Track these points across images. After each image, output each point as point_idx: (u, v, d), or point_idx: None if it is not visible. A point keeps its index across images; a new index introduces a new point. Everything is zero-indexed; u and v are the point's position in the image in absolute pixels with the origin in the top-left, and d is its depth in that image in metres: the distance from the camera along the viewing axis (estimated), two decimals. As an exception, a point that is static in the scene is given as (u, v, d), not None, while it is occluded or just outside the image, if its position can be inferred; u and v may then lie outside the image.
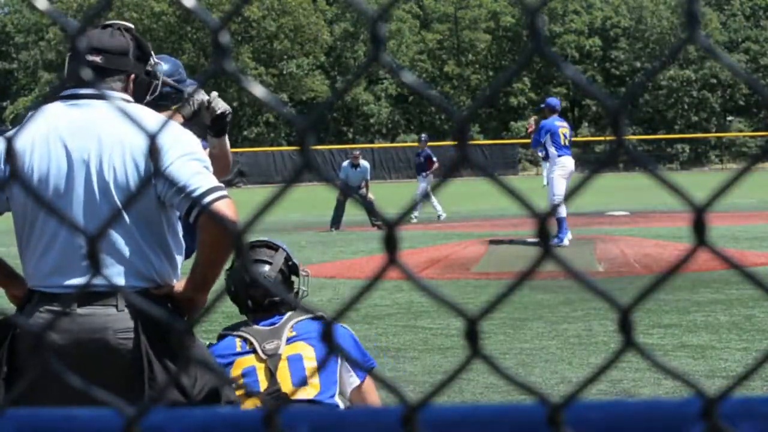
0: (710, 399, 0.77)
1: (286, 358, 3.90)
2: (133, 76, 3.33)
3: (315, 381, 3.87)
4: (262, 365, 3.89)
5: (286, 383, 3.88)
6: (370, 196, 22.05)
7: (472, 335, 0.75)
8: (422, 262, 13.98)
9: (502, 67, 66.76)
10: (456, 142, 0.74)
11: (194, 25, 60.13)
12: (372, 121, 64.04)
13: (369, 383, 4.02)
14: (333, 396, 3.92)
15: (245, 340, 3.94)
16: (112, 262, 3.11)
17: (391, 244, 0.76)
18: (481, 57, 68.90)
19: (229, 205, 3.08)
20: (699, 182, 22.75)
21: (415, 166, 26.03)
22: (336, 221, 21.95)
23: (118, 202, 3.10)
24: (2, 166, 3.14)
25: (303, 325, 3.99)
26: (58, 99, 3.26)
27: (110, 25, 3.36)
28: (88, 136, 3.14)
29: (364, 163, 23.26)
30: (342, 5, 66.53)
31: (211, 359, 3.32)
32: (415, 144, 59.63)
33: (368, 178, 22.75)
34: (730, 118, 70.39)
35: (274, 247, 4.10)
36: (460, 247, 15.85)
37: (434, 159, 24.91)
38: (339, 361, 3.94)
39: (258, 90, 0.78)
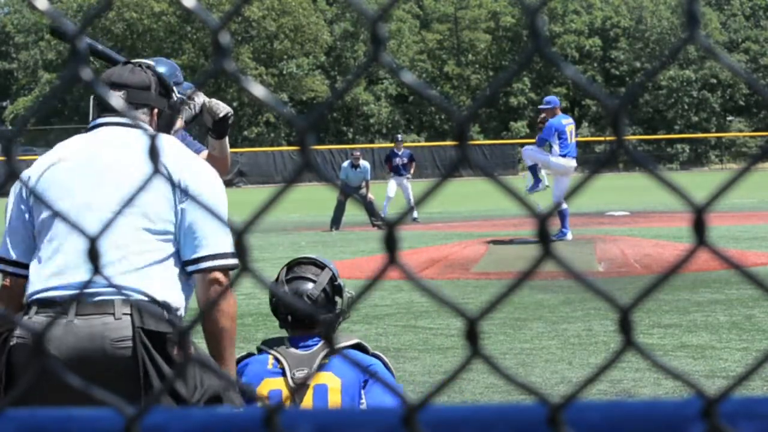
0: (710, 399, 0.77)
1: (313, 387, 3.85)
2: (156, 110, 3.43)
3: None
4: (287, 393, 3.84)
5: None
6: (370, 196, 22.02)
7: (472, 335, 0.75)
8: (422, 262, 13.98)
9: (502, 67, 66.75)
10: (456, 142, 0.74)
11: (194, 25, 60.13)
12: (372, 121, 64.03)
13: None
14: None
15: (277, 360, 3.90)
16: (116, 271, 3.12)
17: (391, 244, 0.76)
18: (481, 57, 68.89)
19: (226, 278, 3.24)
20: (699, 182, 22.75)
21: (394, 167, 25.44)
22: (336, 221, 21.94)
23: (142, 227, 3.16)
24: (25, 196, 3.27)
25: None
26: (86, 131, 3.39)
27: (130, 63, 3.49)
28: (117, 160, 3.22)
29: (365, 163, 23.18)
30: (342, 5, 66.52)
31: (213, 363, 3.32)
32: (416, 144, 59.72)
33: (368, 178, 22.69)
34: (730, 118, 70.40)
35: (321, 266, 4.03)
36: (460, 247, 15.85)
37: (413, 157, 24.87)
38: (362, 393, 3.88)
39: (258, 90, 0.78)
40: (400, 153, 25.31)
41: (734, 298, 10.43)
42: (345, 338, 4.02)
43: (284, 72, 62.37)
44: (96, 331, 3.06)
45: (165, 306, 3.16)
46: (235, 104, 60.41)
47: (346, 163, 23.25)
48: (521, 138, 63.42)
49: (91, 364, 3.05)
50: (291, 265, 4.05)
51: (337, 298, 4.04)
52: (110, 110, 3.34)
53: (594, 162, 0.74)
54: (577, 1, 71.15)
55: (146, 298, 3.13)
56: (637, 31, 68.97)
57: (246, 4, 0.73)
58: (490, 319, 8.46)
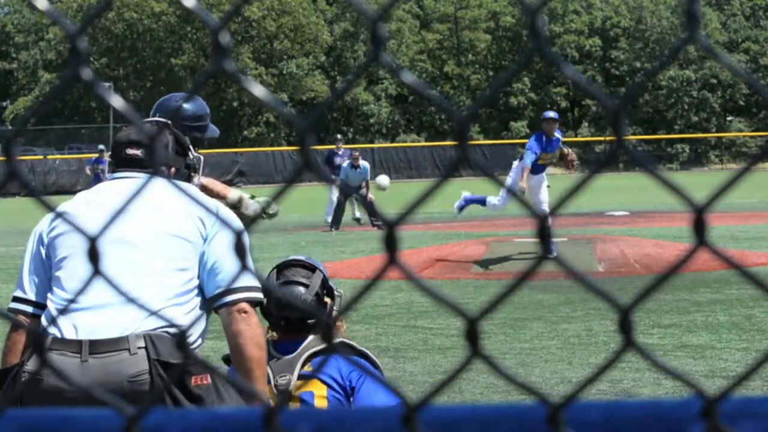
0: (710, 399, 0.77)
1: (298, 396, 3.82)
2: (173, 169, 3.49)
3: None
4: (273, 399, 3.82)
5: None
6: (370, 196, 21.98)
7: (472, 335, 0.75)
8: (422, 262, 13.98)
9: (502, 67, 66.75)
10: (456, 142, 0.74)
11: (194, 25, 60.10)
12: (372, 121, 64.02)
13: None
14: None
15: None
16: (126, 307, 3.13)
17: (391, 244, 0.76)
18: (481, 57, 68.88)
19: (251, 308, 3.28)
20: (699, 182, 22.75)
21: (335, 168, 24.90)
22: (336, 221, 21.92)
23: (170, 267, 3.19)
24: (44, 237, 3.32)
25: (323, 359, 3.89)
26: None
27: (148, 122, 3.56)
28: (145, 204, 3.26)
29: (364, 163, 23.06)
30: (342, 5, 66.50)
31: (234, 397, 3.31)
32: (416, 144, 59.75)
33: (368, 178, 22.60)
34: (730, 118, 70.38)
35: (311, 268, 4.01)
36: (460, 247, 15.85)
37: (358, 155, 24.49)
38: (350, 401, 3.84)
39: (258, 90, 0.78)
40: (340, 153, 25.02)
41: (734, 298, 10.43)
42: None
43: (284, 72, 62.36)
44: (112, 369, 3.05)
45: (182, 334, 3.15)
46: (235, 104, 60.49)
47: (345, 164, 23.03)
48: (521, 138, 63.29)
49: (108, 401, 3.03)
50: (281, 268, 4.01)
51: (328, 300, 4.03)
52: (126, 165, 3.40)
53: (594, 162, 0.74)
54: (577, 1, 71.12)
55: (162, 325, 3.14)
56: (637, 31, 68.95)
57: (246, 4, 0.73)
58: (490, 319, 8.45)
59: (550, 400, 0.78)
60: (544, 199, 13.88)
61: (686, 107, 67.25)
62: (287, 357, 3.89)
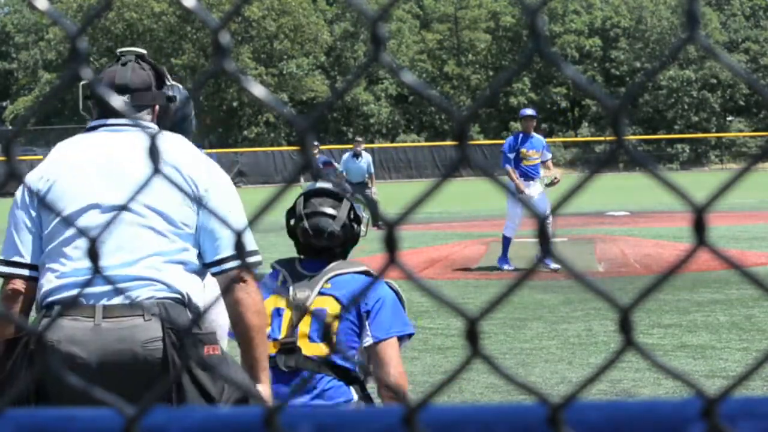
0: (710, 399, 0.77)
1: (312, 310, 3.83)
2: (157, 107, 3.41)
3: (330, 340, 3.81)
4: (290, 312, 3.84)
5: (303, 336, 3.82)
6: (374, 190, 21.37)
7: (472, 335, 0.75)
8: (422, 262, 13.98)
9: (502, 67, 66.74)
10: (456, 142, 0.74)
11: (194, 25, 60.10)
12: (372, 121, 64.02)
13: (386, 347, 3.82)
14: (347, 359, 3.83)
15: (286, 279, 3.89)
16: (146, 267, 3.11)
17: (391, 244, 0.76)
18: (481, 57, 68.86)
19: (250, 274, 3.23)
20: (699, 182, 22.74)
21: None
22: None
23: (161, 229, 3.15)
24: (31, 200, 3.22)
25: (342, 279, 3.87)
26: (86, 130, 3.35)
27: (124, 55, 3.42)
28: (130, 163, 3.20)
29: (367, 155, 22.06)
30: (342, 5, 66.51)
31: (240, 372, 3.29)
32: (416, 144, 59.71)
33: (372, 171, 21.63)
34: (730, 118, 70.38)
35: (339, 198, 3.99)
36: (460, 247, 15.86)
37: (333, 162, 23.82)
38: (360, 322, 3.83)
39: (258, 90, 0.78)
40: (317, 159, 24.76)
41: (734, 298, 10.42)
42: (353, 265, 3.99)
43: (284, 72, 62.35)
44: (125, 333, 3.03)
45: (188, 300, 3.16)
46: (235, 104, 60.48)
47: (346, 155, 21.92)
48: (521, 138, 62.92)
49: (121, 366, 3.03)
50: (308, 196, 3.99)
51: (356, 226, 4.01)
52: (112, 112, 3.29)
53: (594, 162, 0.74)
54: (577, 1, 71.12)
55: (172, 294, 3.12)
56: (637, 31, 68.94)
57: (246, 4, 0.73)
58: (490, 319, 8.45)
59: (550, 400, 0.78)
60: (543, 208, 13.06)
61: (686, 107, 67.24)
62: (311, 274, 3.91)
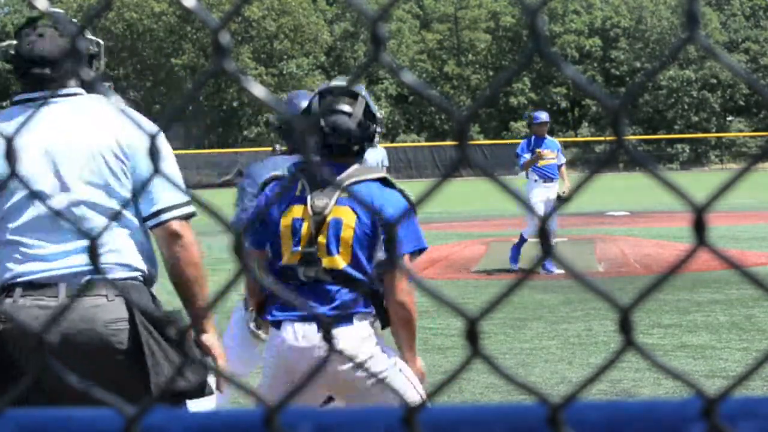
0: (710, 399, 0.77)
1: (329, 221, 3.82)
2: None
3: (347, 251, 3.80)
4: (308, 223, 3.83)
5: (322, 247, 3.83)
6: None
7: (472, 335, 0.75)
8: (422, 262, 13.98)
9: (502, 67, 66.75)
10: (456, 142, 0.74)
11: (194, 25, 60.11)
12: (372, 121, 63.93)
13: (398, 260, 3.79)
14: (364, 271, 3.82)
15: (304, 188, 3.86)
16: (104, 252, 3.10)
17: (391, 244, 0.76)
18: (481, 57, 68.89)
19: (185, 227, 3.23)
20: (699, 182, 22.75)
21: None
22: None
23: (107, 203, 3.12)
24: None
25: (360, 187, 3.86)
26: (17, 104, 3.23)
27: (35, 20, 3.20)
28: (61, 134, 3.13)
29: (381, 149, 21.47)
30: (342, 5, 66.51)
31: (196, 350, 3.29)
32: (416, 144, 59.72)
33: (386, 164, 21.10)
34: (730, 118, 70.39)
35: (354, 95, 3.94)
36: (460, 247, 15.86)
37: None
38: (374, 234, 3.83)
39: (258, 90, 0.78)
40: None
41: (734, 298, 10.42)
42: (371, 171, 3.99)
43: (284, 72, 62.35)
44: (88, 313, 3.03)
45: (148, 276, 3.17)
46: (235, 104, 60.47)
47: None
48: (521, 138, 62.88)
49: (83, 346, 3.02)
50: (323, 94, 3.97)
51: (372, 125, 4.00)
52: (34, 85, 3.16)
53: (594, 162, 0.74)
54: (577, 1, 71.14)
55: (132, 273, 3.13)
56: (637, 31, 68.96)
57: (246, 4, 0.73)
58: (490, 319, 8.45)
59: (550, 400, 0.78)
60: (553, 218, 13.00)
61: (686, 107, 67.26)
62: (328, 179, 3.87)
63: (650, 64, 65.34)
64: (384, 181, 3.92)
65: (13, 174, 0.80)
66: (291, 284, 3.81)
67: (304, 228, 3.82)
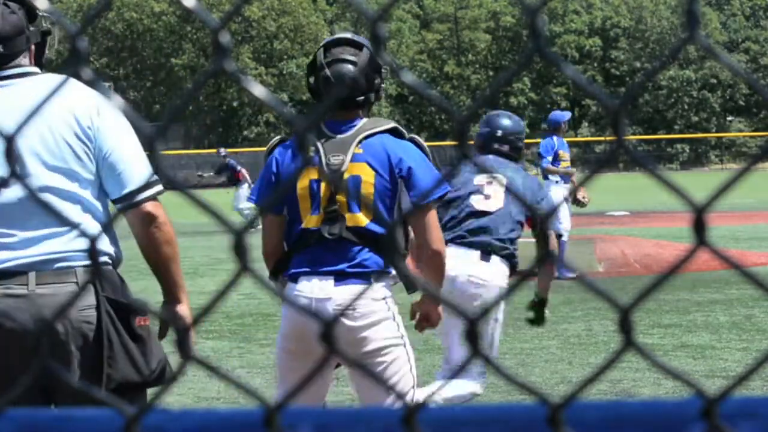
0: (710, 399, 0.77)
1: (347, 179, 3.80)
2: (33, 46, 3.21)
3: (369, 208, 3.79)
4: (326, 183, 3.81)
5: (343, 205, 3.81)
6: None
7: (472, 335, 0.75)
8: (422, 262, 13.95)
9: (502, 67, 66.76)
10: (456, 142, 0.74)
11: (194, 25, 60.12)
12: (372, 121, 63.97)
13: (424, 212, 3.74)
14: (387, 226, 3.82)
15: (318, 150, 3.83)
16: (73, 238, 3.06)
17: (391, 244, 0.76)
18: (481, 57, 68.90)
19: (158, 207, 3.17)
20: (699, 182, 22.75)
21: (229, 178, 23.63)
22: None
23: (73, 187, 3.07)
24: None
25: (373, 141, 3.86)
26: None
27: None
28: (17, 112, 3.01)
29: None
30: (342, 5, 66.53)
31: (161, 349, 3.27)
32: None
33: None
34: (730, 118, 70.41)
35: (359, 45, 3.95)
36: (460, 247, 15.80)
37: (238, 168, 23.11)
38: (394, 186, 3.80)
39: (258, 90, 0.78)
40: (227, 165, 24.58)
41: (734, 298, 10.42)
42: (381, 123, 3.98)
43: (284, 72, 62.36)
44: (61, 299, 2.99)
45: (117, 260, 3.13)
46: (235, 104, 60.48)
47: None
48: (521, 138, 62.70)
49: (61, 334, 2.99)
50: (328, 46, 3.97)
51: (376, 77, 3.99)
52: None
53: (594, 162, 0.74)
54: (577, 1, 71.15)
55: (101, 257, 3.08)
56: (637, 31, 68.98)
57: (246, 4, 0.73)
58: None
59: (550, 400, 0.78)
60: (563, 217, 12.52)
61: (686, 107, 67.28)
62: (340, 137, 3.87)
63: (650, 64, 65.35)
64: (395, 132, 3.92)
65: None
66: (312, 245, 3.79)
67: (323, 188, 3.80)
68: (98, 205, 3.15)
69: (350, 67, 3.88)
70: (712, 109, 68.29)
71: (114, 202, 3.17)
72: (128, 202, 3.14)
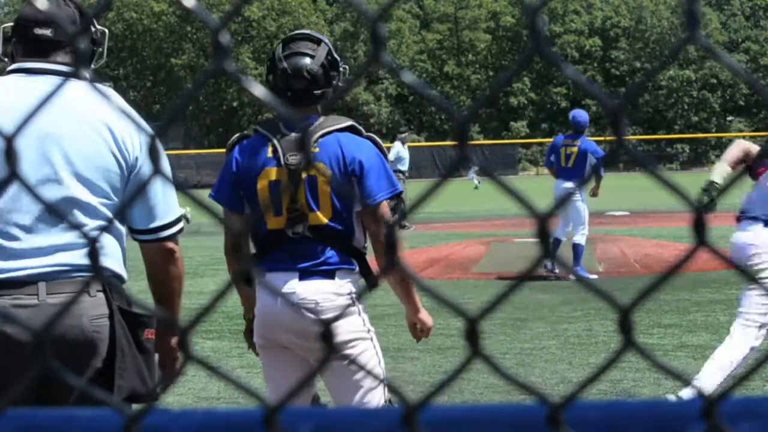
0: (710, 399, 0.77)
1: (305, 179, 3.82)
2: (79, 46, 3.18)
3: (327, 206, 3.83)
4: (285, 179, 3.84)
5: (304, 205, 3.84)
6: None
7: (472, 335, 0.75)
8: (422, 262, 13.98)
9: (502, 67, 66.78)
10: (456, 142, 0.74)
11: (194, 25, 60.13)
12: (372, 121, 64.03)
13: (377, 210, 3.87)
14: (346, 223, 3.87)
15: (276, 149, 3.85)
16: (85, 252, 3.05)
17: (391, 244, 0.76)
18: (481, 57, 68.92)
19: (177, 243, 3.21)
20: (699, 182, 22.71)
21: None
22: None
23: (98, 202, 3.05)
24: None
25: (329, 140, 3.83)
26: (9, 73, 3.11)
27: None
28: (57, 113, 3.00)
29: (405, 148, 20.74)
30: (342, 5, 66.54)
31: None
32: (416, 144, 59.66)
33: (403, 169, 20.30)
34: (730, 118, 70.41)
35: (317, 41, 3.98)
36: (460, 247, 15.87)
37: None
38: (350, 185, 3.85)
39: (258, 90, 0.78)
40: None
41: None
42: (338, 120, 3.95)
43: (284, 72, 62.31)
44: (72, 310, 2.95)
45: (121, 281, 3.14)
46: (235, 104, 60.48)
47: (398, 143, 20.51)
48: (521, 138, 63.20)
49: (66, 343, 2.97)
50: (286, 42, 4.00)
51: (333, 73, 3.98)
52: (35, 49, 3.02)
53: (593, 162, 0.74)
54: (577, 1, 71.16)
55: (111, 275, 3.10)
56: (637, 31, 68.98)
57: (246, 4, 0.73)
58: (490, 319, 8.46)
59: (550, 400, 0.78)
60: (580, 220, 12.49)
61: (686, 107, 67.29)
62: (297, 135, 3.88)
63: (650, 64, 65.37)
64: (352, 129, 3.91)
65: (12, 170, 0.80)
66: (278, 245, 3.83)
67: (283, 189, 3.85)
68: (121, 228, 3.16)
69: (308, 60, 3.91)
70: (712, 109, 68.31)
71: (136, 231, 3.18)
72: (154, 236, 3.17)
